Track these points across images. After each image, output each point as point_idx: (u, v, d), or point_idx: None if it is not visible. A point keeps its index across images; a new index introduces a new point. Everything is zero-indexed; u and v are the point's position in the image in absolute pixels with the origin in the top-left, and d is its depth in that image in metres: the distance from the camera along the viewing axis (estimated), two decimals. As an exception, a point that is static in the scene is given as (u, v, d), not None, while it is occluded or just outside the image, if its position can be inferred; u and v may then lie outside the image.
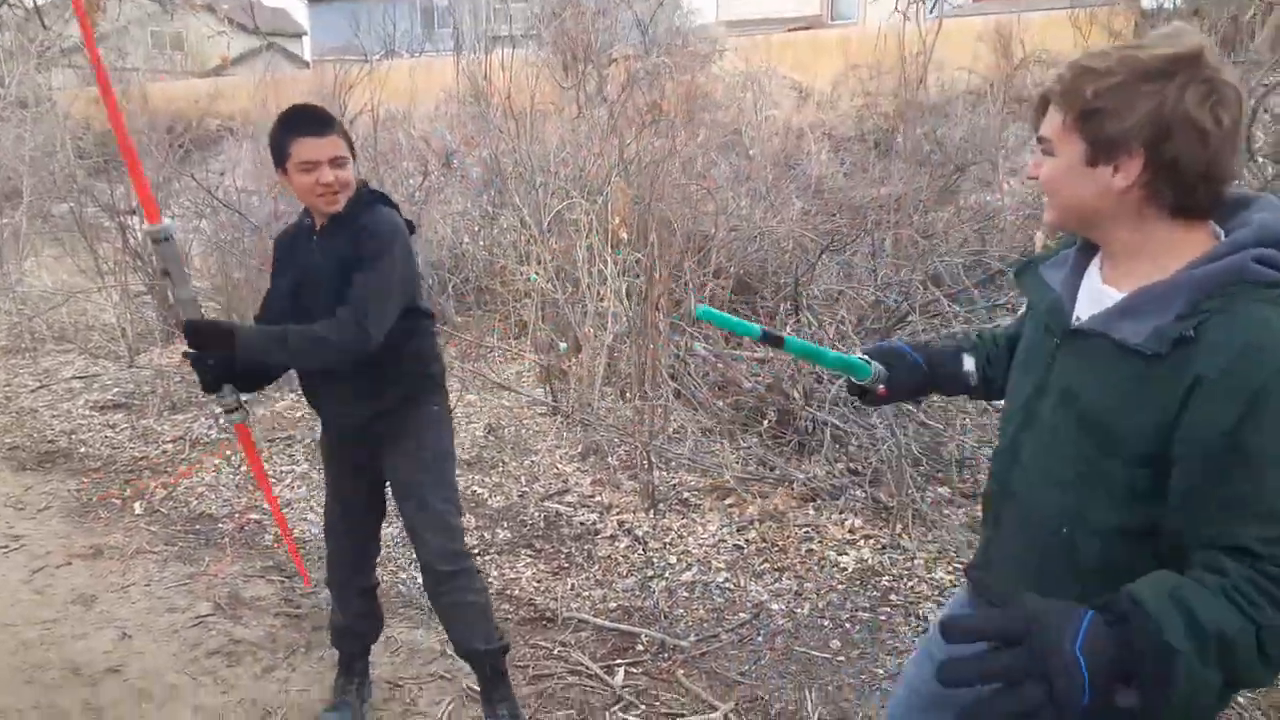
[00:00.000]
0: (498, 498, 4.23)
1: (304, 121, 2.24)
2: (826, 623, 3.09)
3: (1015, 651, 1.00)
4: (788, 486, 3.87)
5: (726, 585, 3.34)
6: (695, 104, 10.49)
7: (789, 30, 17.82)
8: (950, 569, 3.32)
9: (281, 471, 4.66)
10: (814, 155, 9.76)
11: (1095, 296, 1.28)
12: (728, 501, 3.90)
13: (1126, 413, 1.17)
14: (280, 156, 2.25)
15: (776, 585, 3.32)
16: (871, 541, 3.53)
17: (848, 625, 3.06)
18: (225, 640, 3.15)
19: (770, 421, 4.40)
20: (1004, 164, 9.39)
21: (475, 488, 4.33)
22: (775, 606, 3.19)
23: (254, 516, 4.17)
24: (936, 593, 3.20)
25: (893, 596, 3.21)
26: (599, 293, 4.72)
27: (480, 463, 4.65)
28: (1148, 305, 1.18)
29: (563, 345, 5.00)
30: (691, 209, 5.64)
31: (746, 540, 3.61)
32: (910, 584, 3.26)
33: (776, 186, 7.50)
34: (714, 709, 2.66)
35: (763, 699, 2.72)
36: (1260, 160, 6.46)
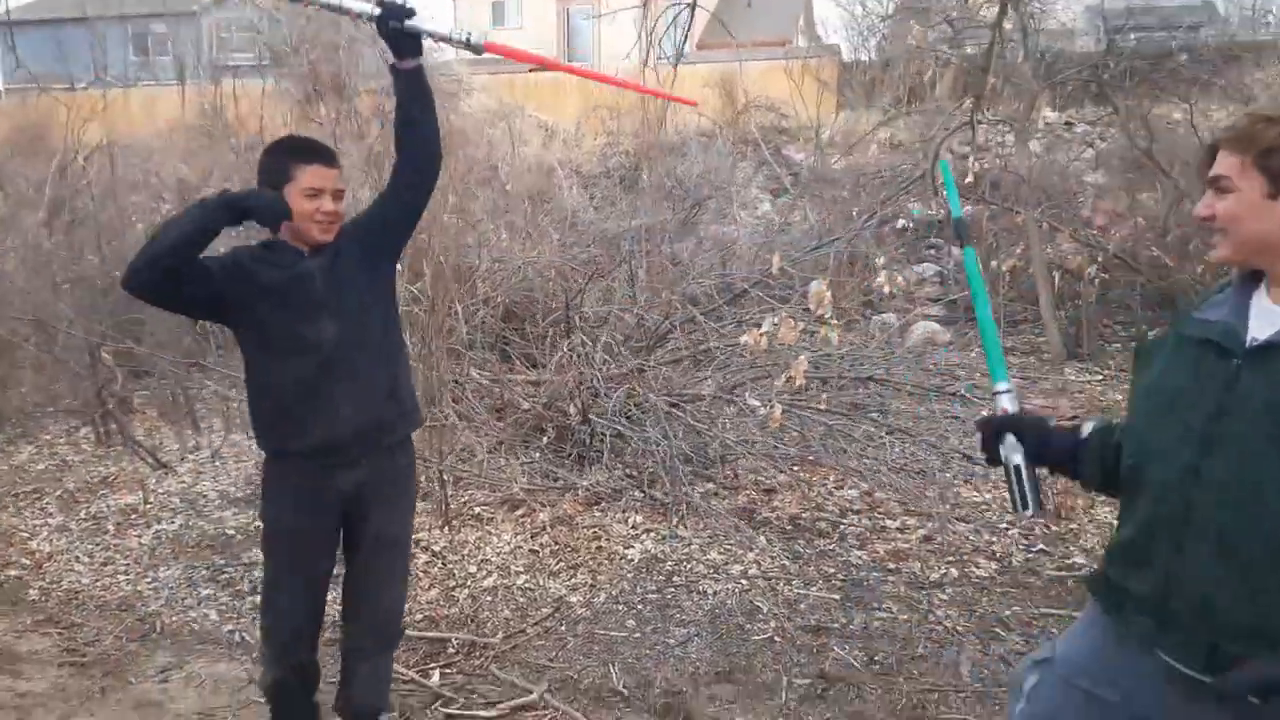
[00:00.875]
0: (285, 530, 4.23)
1: (314, 150, 2.28)
2: (621, 607, 3.42)
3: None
4: (574, 493, 4.19)
5: (527, 586, 3.59)
6: (449, 140, 10.65)
7: (530, 71, 18.36)
8: (721, 551, 3.77)
9: (35, 526, 4.38)
10: (565, 190, 10.23)
11: (1270, 317, 1.38)
12: (519, 512, 4.15)
13: None
14: (279, 179, 2.21)
15: (573, 581, 3.61)
16: (652, 534, 3.92)
17: (640, 607, 3.41)
18: (10, 695, 2.99)
19: (550, 437, 4.71)
20: (737, 198, 10.34)
21: (257, 524, 4.29)
22: (574, 599, 3.48)
23: (12, 572, 3.92)
24: (712, 571, 3.63)
25: (675, 579, 3.60)
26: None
27: (256, 500, 4.59)
28: None
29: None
30: (453, 241, 5.84)
31: (540, 545, 3.88)
32: (689, 566, 3.67)
33: (533, 220, 7.86)
34: (529, 692, 2.90)
35: (573, 677, 3.00)
36: (941, 193, 7.63)
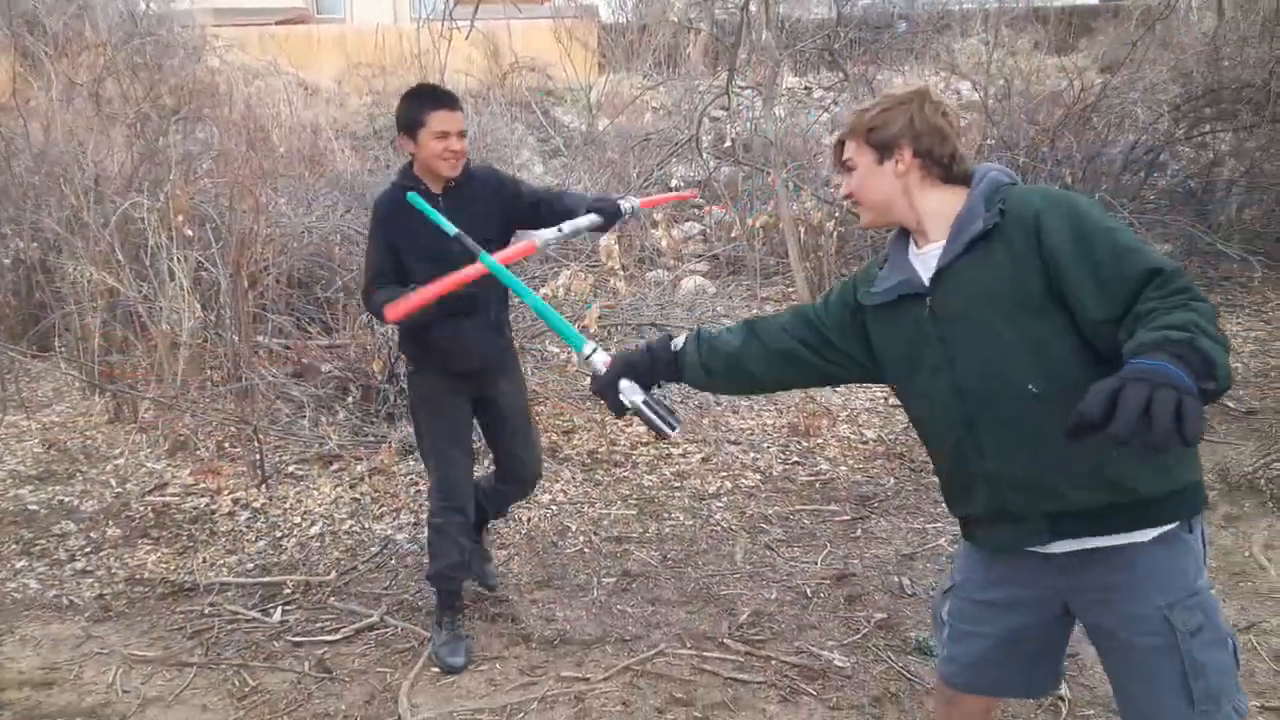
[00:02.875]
0: (90, 502, 4.26)
1: (441, 97, 2.78)
2: (445, 539, 3.81)
3: (1136, 385, 1.24)
4: (388, 445, 4.49)
5: (354, 530, 3.90)
6: (202, 98, 10.21)
7: (278, 23, 17.50)
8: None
9: None
10: (338, 153, 10.13)
11: (925, 260, 1.71)
12: (334, 467, 4.41)
13: (1006, 278, 1.59)
14: (414, 124, 2.74)
15: (397, 522, 3.95)
16: (465, 476, 4.31)
17: (462, 537, 3.82)
18: None
19: (356, 397, 4.95)
20: (516, 161, 10.63)
21: (61, 497, 4.30)
22: (400, 537, 3.83)
23: None
24: (525, 503, 4.07)
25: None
26: (170, 291, 4.84)
27: (53, 475, 4.56)
28: (963, 222, 1.66)
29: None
30: (229, 206, 5.78)
31: (361, 493, 4.17)
32: (503, 500, 4.11)
33: (309, 184, 7.82)
34: (370, 615, 3.25)
35: (408, 600, 3.37)
36: (705, 155, 8.34)
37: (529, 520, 3.93)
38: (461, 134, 2.76)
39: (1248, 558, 3.40)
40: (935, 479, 4.19)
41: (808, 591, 3.34)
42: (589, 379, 1.92)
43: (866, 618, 3.15)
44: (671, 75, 12.78)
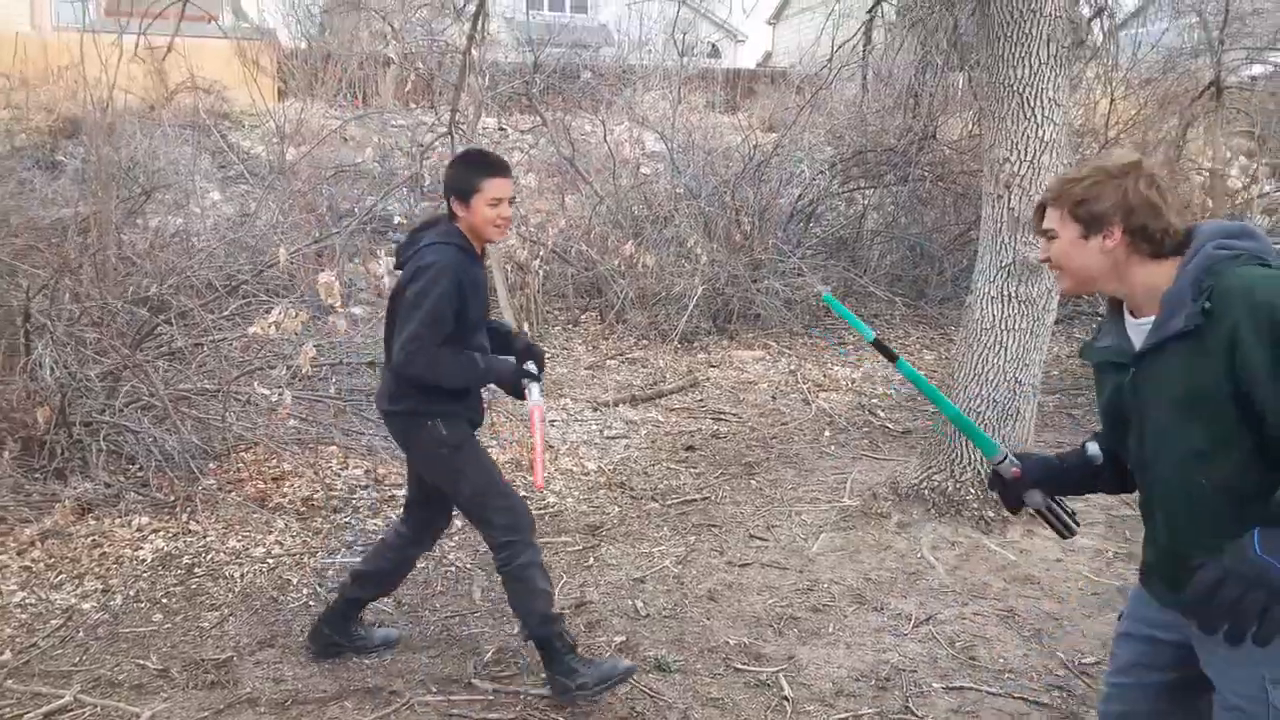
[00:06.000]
0: None
1: (497, 164, 2.81)
2: (144, 604, 3.41)
3: (1233, 586, 1.46)
4: (63, 505, 3.94)
5: (27, 601, 3.38)
6: None
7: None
8: (241, 538, 3.90)
9: None
10: (-27, 171, 8.82)
11: (1138, 330, 1.74)
12: (-6, 532, 3.80)
13: (1197, 380, 1.60)
14: (469, 190, 2.76)
15: (81, 589, 3.48)
16: (161, 533, 3.89)
17: (165, 600, 3.44)
18: None
19: (14, 451, 4.30)
20: (187, 186, 9.80)
21: None
22: (87, 605, 3.38)
23: None
24: (234, 557, 3.76)
25: (197, 570, 3.67)
26: None
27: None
28: (1172, 306, 1.64)
29: None
30: None
31: (33, 560, 3.63)
32: (210, 556, 3.76)
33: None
34: (60, 696, 2.83)
35: (106, 675, 2.98)
36: (425, 191, 8.21)
37: (242, 576, 3.63)
38: (512, 200, 2.81)
39: (920, 559, 3.92)
40: (655, 505, 4.42)
41: (547, 623, 3.37)
42: (992, 477, 1.95)
43: (607, 642, 3.25)
44: (365, 107, 12.46)
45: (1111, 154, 1.80)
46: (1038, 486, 1.91)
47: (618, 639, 3.27)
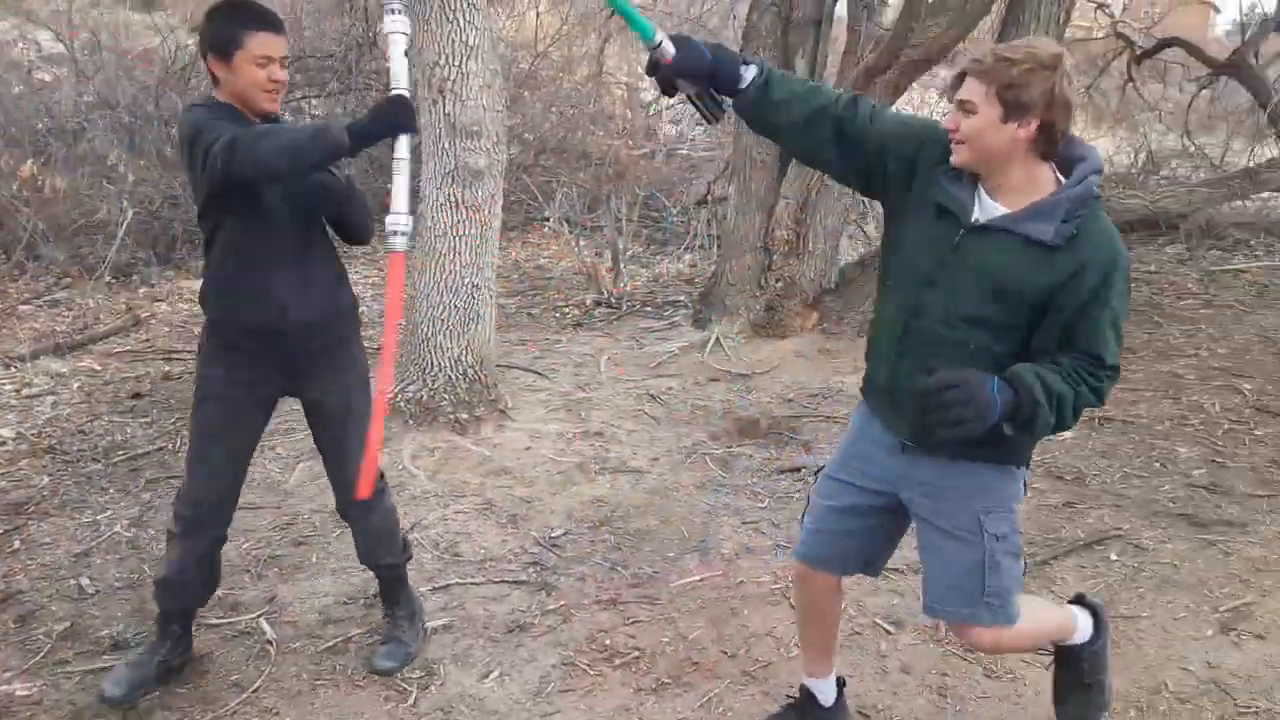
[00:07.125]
0: None
1: (263, 17, 2.28)
2: None
3: (955, 390, 1.71)
4: None
5: None
6: None
7: None
8: None
9: None
10: None
11: (988, 207, 1.82)
12: None
13: (1027, 281, 1.78)
14: (228, 46, 2.25)
15: None
16: None
17: None
18: None
19: None
20: None
21: None
22: None
23: None
24: None
25: None
26: None
27: None
28: (1042, 214, 1.76)
29: None
30: None
31: None
32: None
33: None
34: None
35: None
36: None
37: None
38: (284, 61, 2.33)
39: (402, 470, 3.93)
40: (97, 467, 3.89)
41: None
42: (648, 62, 1.90)
43: (47, 633, 2.78)
44: None
45: (1038, 40, 1.84)
46: (683, 77, 1.89)
47: (60, 626, 2.81)
